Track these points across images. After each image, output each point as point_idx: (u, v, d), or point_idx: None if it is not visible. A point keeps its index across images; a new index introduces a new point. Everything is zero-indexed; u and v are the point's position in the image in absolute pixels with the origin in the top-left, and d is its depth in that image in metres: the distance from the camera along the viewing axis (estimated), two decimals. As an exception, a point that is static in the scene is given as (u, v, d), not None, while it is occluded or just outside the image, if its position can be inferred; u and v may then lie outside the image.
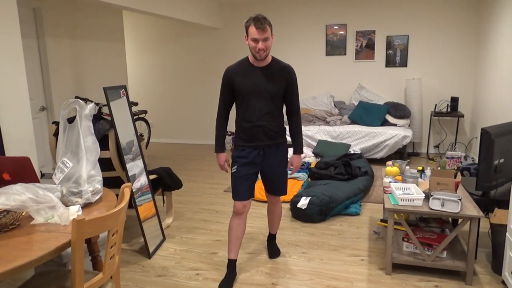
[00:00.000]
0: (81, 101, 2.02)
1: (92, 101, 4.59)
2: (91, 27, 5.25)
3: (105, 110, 4.77)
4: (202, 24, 6.16)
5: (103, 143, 3.02)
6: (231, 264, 2.64)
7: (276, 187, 2.71)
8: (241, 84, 2.49)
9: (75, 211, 1.78)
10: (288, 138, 4.84)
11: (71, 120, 2.10)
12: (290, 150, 4.03)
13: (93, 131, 2.02)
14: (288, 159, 2.72)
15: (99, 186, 1.99)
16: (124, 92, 3.19)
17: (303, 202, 3.61)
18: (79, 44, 5.03)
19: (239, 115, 2.58)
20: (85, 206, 1.96)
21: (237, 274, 2.76)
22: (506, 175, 2.84)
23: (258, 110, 2.50)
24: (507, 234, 2.35)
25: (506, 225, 2.57)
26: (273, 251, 3.03)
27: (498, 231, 2.63)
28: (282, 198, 3.98)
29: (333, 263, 2.90)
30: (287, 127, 4.64)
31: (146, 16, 7.33)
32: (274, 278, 2.71)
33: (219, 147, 2.70)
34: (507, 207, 2.72)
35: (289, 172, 3.31)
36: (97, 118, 3.11)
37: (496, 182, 2.78)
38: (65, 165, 1.94)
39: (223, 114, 2.65)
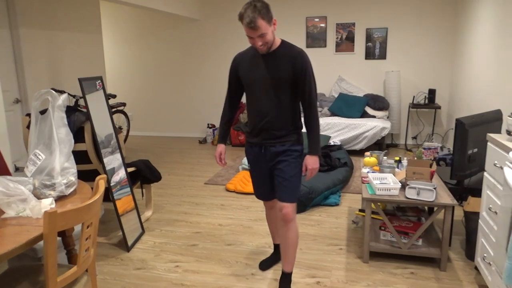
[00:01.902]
0: (53, 91, 1.97)
1: (66, 92, 4.49)
2: (67, 18, 5.12)
3: (82, 102, 4.67)
4: (182, 15, 6.08)
5: (79, 136, 2.96)
6: (275, 248, 2.78)
7: (278, 190, 2.27)
8: (245, 74, 2.25)
9: (47, 204, 1.74)
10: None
11: (44, 111, 2.05)
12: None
13: (66, 122, 1.97)
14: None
15: (73, 178, 1.96)
16: (101, 84, 3.13)
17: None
18: (54, 34, 4.90)
19: (247, 107, 2.33)
20: (59, 199, 1.92)
21: (213, 262, 2.77)
22: (479, 164, 2.91)
23: (263, 103, 2.22)
24: (479, 221, 2.42)
25: (479, 213, 2.63)
26: None
27: (471, 218, 2.70)
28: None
29: (312, 252, 2.93)
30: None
31: (124, 6, 7.19)
32: (253, 268, 2.72)
33: (220, 137, 2.48)
34: (480, 195, 2.79)
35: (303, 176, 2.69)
36: (73, 110, 3.04)
37: (470, 171, 2.85)
38: (37, 157, 1.89)
39: (228, 103, 2.45)
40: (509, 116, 2.13)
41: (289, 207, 2.23)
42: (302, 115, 4.24)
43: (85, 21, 5.49)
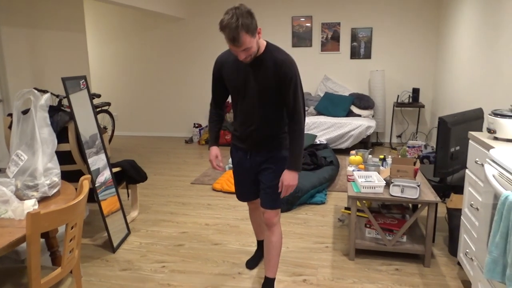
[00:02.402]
0: (36, 91, 1.94)
1: (49, 92, 4.42)
2: (50, 16, 5.03)
3: (65, 102, 4.60)
4: (166, 14, 6.04)
5: (63, 136, 2.92)
6: (258, 244, 2.79)
7: (261, 196, 2.21)
8: (228, 79, 2.12)
9: (30, 205, 1.72)
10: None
11: (26, 111, 2.01)
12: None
13: (49, 122, 1.95)
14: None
15: (56, 179, 1.93)
16: (85, 83, 3.09)
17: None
18: (37, 33, 4.82)
19: (233, 109, 2.23)
20: (42, 200, 1.90)
21: (199, 261, 2.76)
22: (462, 162, 2.97)
23: (247, 111, 2.11)
24: (462, 217, 2.46)
25: (461, 209, 2.69)
26: None
27: (454, 215, 2.75)
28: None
29: (298, 250, 2.94)
30: None
31: (108, 5, 7.11)
32: (240, 267, 2.72)
33: (210, 140, 2.33)
34: (462, 192, 2.84)
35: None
36: (56, 109, 3.00)
37: (452, 169, 2.91)
38: (19, 157, 1.86)
39: (213, 105, 2.32)
40: (490, 115, 2.17)
41: (271, 213, 2.19)
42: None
43: (69, 20, 5.41)
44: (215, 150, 2.30)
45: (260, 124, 2.11)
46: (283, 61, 2.00)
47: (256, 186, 2.33)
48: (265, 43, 2.04)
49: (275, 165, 2.18)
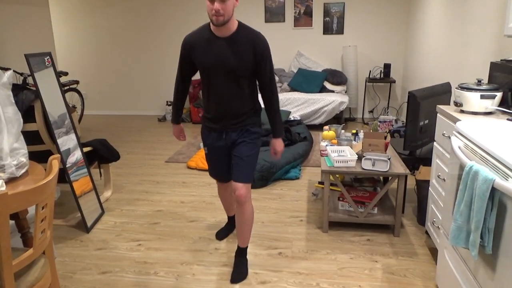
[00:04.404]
0: (-3, 68, 1.85)
1: (11, 69, 4.25)
2: (8, -11, 4.76)
3: (30, 81, 4.42)
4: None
5: (29, 115, 2.82)
6: (229, 218, 2.86)
7: (234, 169, 2.24)
8: (201, 58, 2.10)
9: (-3, 186, 1.66)
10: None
11: (-13, 89, 1.92)
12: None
13: (13, 101, 1.87)
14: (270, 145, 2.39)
15: (24, 159, 1.87)
16: (50, 60, 2.97)
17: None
18: (-5, 7, 4.56)
19: (203, 90, 2.24)
20: (10, 181, 1.84)
21: (175, 239, 2.78)
22: (430, 135, 3.06)
23: (221, 91, 2.14)
24: (429, 188, 2.56)
25: (429, 181, 2.79)
26: (239, 271, 2.37)
27: (422, 186, 2.85)
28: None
29: (274, 225, 3.00)
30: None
31: (72, -22, 6.77)
32: (216, 243, 2.75)
33: (175, 117, 2.43)
34: (430, 165, 2.94)
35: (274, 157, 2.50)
36: (20, 88, 2.88)
37: (421, 142, 2.99)
38: (-17, 138, 1.79)
39: (178, 85, 2.33)
40: (457, 88, 2.23)
41: (242, 189, 2.19)
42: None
43: (30, -7, 5.13)
44: (178, 128, 2.47)
45: (236, 101, 2.16)
46: (257, 36, 2.07)
47: (229, 165, 2.38)
48: (237, 22, 2.07)
49: (249, 139, 2.24)
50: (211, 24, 2.07)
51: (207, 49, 2.07)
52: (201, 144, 4.88)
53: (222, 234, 2.83)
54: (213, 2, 1.90)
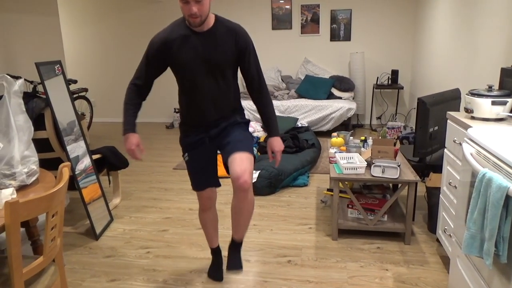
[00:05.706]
0: (8, 77, 1.87)
1: (22, 78, 4.29)
2: (21, 0, 4.83)
3: (40, 88, 4.47)
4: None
5: (39, 123, 2.84)
6: (216, 251, 2.43)
7: (231, 146, 2.01)
8: (177, 56, 1.91)
9: (8, 194, 1.67)
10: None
11: (-1, 98, 1.94)
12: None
13: (24, 109, 1.88)
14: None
15: (34, 167, 1.88)
16: (60, 68, 3.00)
17: (253, 176, 3.65)
18: (7, 17, 4.63)
19: (180, 94, 2.05)
20: (21, 188, 1.85)
21: (184, 246, 2.77)
22: (440, 142, 3.03)
23: (202, 91, 1.96)
24: (440, 196, 2.53)
25: (440, 188, 2.75)
26: (234, 262, 2.24)
27: (433, 193, 2.82)
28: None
29: (282, 232, 2.98)
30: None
31: (82, -13, 6.87)
32: (225, 251, 2.74)
33: (129, 127, 2.02)
34: (441, 171, 2.91)
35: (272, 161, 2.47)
36: (31, 96, 2.91)
37: (431, 148, 2.96)
38: (-6, 146, 1.80)
39: (140, 86, 2.00)
40: (467, 94, 2.21)
41: (246, 173, 1.91)
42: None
43: (40, 3, 5.21)
44: (135, 137, 2.02)
45: (219, 100, 2.00)
46: (237, 28, 1.95)
47: (215, 168, 2.17)
48: (213, 15, 1.94)
49: (237, 125, 2.10)
50: (186, 19, 1.89)
51: (185, 46, 1.90)
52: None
53: (219, 273, 2.42)
54: (187, 3, 1.77)
